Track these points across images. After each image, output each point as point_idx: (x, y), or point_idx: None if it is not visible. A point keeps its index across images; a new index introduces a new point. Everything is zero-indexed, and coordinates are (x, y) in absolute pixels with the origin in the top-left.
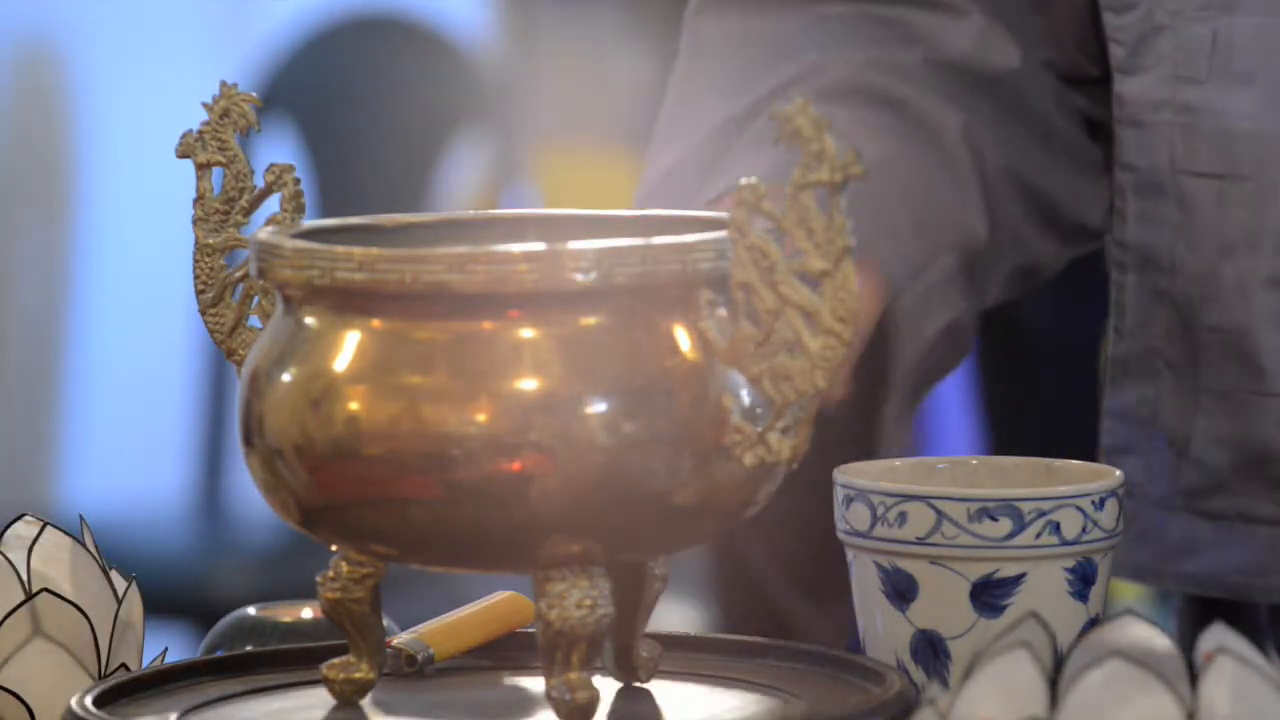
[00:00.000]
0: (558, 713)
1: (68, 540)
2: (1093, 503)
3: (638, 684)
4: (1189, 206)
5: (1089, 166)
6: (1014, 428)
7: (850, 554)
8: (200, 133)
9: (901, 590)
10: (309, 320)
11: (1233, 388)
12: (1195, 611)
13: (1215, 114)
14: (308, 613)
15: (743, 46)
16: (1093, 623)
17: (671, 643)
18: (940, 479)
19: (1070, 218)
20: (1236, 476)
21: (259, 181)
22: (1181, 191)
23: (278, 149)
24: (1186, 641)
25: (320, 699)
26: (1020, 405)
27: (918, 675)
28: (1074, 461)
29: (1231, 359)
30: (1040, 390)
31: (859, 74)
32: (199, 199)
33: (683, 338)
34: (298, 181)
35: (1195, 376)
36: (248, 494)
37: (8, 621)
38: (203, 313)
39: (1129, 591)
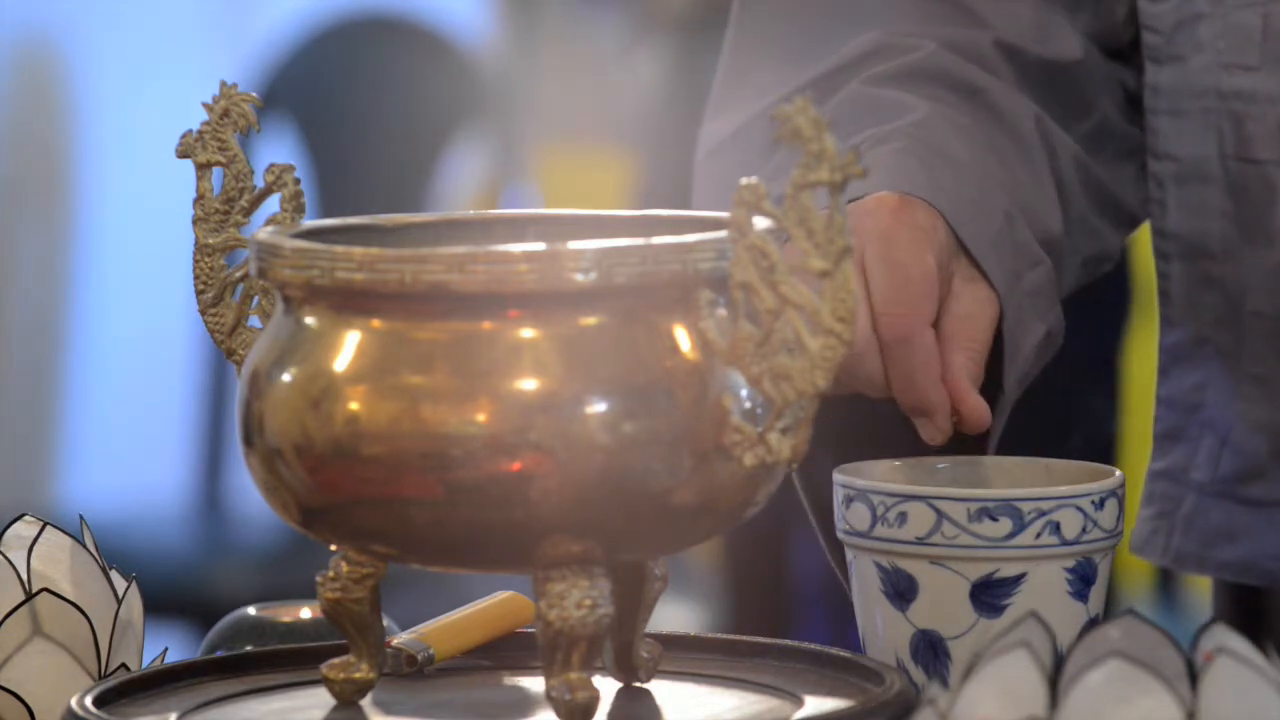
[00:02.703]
0: (558, 713)
1: (68, 540)
2: (1093, 503)
3: (638, 684)
4: (1241, 193)
5: (1132, 153)
6: (1017, 427)
7: (850, 554)
8: (200, 133)
9: (901, 590)
10: (309, 320)
11: (1272, 374)
12: (1229, 600)
13: (1271, 100)
14: (307, 613)
15: (801, 10)
16: (1093, 623)
17: (671, 643)
18: (940, 479)
19: (1126, 206)
20: (1274, 463)
21: (259, 181)
22: (1232, 178)
23: (278, 149)
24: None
25: (320, 699)
26: (1025, 405)
27: (918, 675)
28: (1074, 461)
29: (1272, 345)
30: (1044, 390)
31: (936, 58)
32: (199, 199)
33: (683, 338)
34: (298, 181)
35: (1239, 363)
36: (248, 494)
37: (8, 621)
38: (203, 313)
39: (1136, 587)
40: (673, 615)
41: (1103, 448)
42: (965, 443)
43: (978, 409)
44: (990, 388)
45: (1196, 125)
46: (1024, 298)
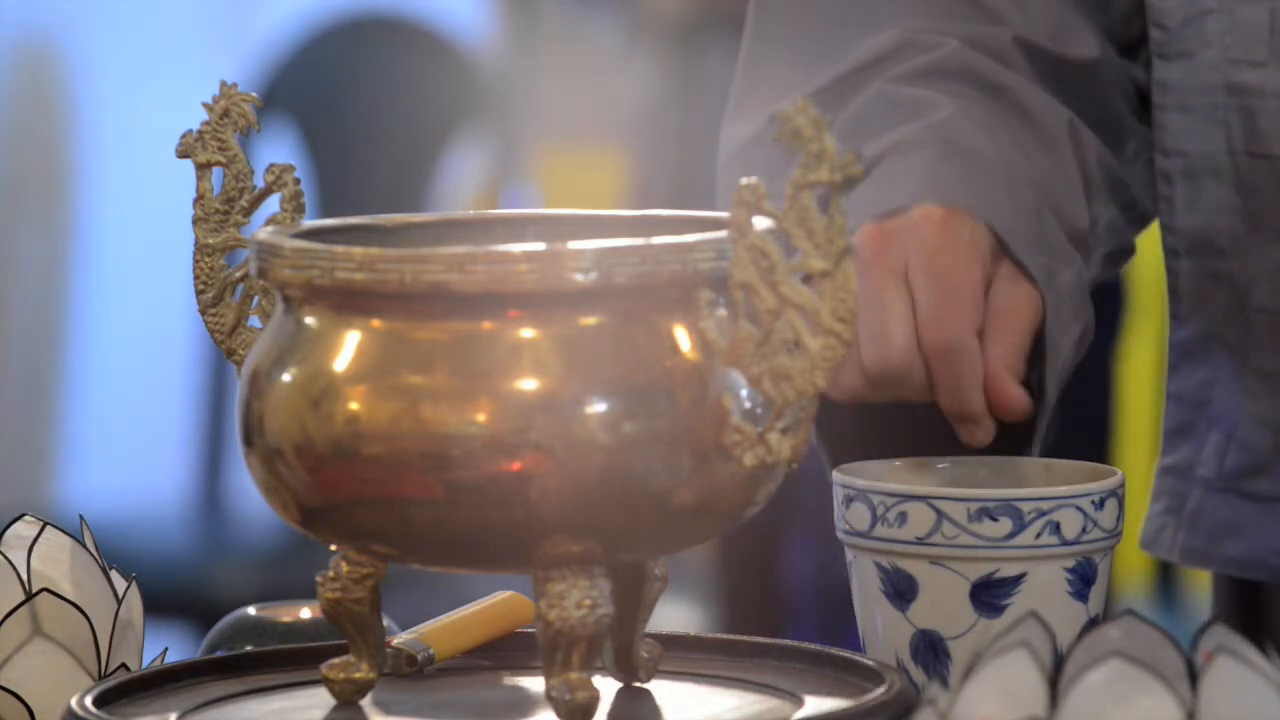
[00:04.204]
0: (558, 713)
1: (68, 540)
2: (1093, 503)
3: (638, 684)
4: (1250, 189)
5: (1143, 150)
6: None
7: (850, 554)
8: (200, 133)
9: (901, 590)
10: (309, 320)
11: (1278, 370)
12: (1229, 597)
13: (1278, 95)
14: (307, 613)
15: (818, 9)
16: (1093, 623)
17: (671, 643)
18: (940, 479)
19: (1141, 202)
20: (1279, 458)
21: (259, 181)
22: (1242, 174)
23: (278, 149)
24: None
25: (320, 699)
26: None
27: (918, 675)
28: (1074, 461)
29: (1278, 341)
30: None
31: (959, 55)
32: (199, 199)
33: (683, 338)
34: (298, 181)
35: (1246, 359)
36: (248, 494)
37: (8, 621)
38: (203, 313)
39: (1136, 587)
40: (672, 615)
41: (1102, 447)
42: (1007, 444)
43: (1014, 396)
44: (1032, 391)
45: (1204, 121)
46: (1061, 297)
